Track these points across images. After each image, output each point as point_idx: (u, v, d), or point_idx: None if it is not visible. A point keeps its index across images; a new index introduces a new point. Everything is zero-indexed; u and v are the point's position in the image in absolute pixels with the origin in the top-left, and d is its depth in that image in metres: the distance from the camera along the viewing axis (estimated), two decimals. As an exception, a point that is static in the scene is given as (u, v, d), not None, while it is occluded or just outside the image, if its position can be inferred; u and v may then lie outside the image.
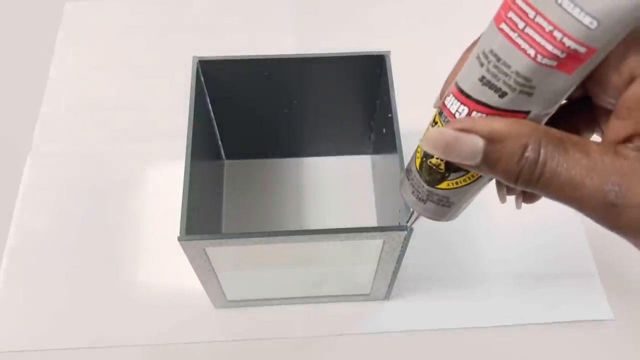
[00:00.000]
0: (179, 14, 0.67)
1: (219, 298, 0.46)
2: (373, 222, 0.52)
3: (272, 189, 0.54)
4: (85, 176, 0.55)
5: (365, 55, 0.44)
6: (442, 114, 0.26)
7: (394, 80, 0.43)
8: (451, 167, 0.27)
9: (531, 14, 0.22)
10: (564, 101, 0.24)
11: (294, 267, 0.44)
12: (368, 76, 0.45)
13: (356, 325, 0.48)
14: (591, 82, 0.24)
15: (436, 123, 0.27)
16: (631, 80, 0.23)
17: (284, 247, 0.38)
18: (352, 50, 0.44)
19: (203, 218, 0.43)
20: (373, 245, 0.39)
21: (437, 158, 0.27)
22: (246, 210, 0.53)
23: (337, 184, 0.55)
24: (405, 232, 0.37)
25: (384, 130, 0.45)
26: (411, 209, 0.33)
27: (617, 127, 0.24)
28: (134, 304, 0.48)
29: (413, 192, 0.29)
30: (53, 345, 0.47)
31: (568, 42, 0.21)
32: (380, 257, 0.40)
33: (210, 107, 0.48)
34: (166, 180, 0.55)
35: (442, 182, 0.28)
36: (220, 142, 0.53)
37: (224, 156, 0.55)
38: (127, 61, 0.63)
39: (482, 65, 0.24)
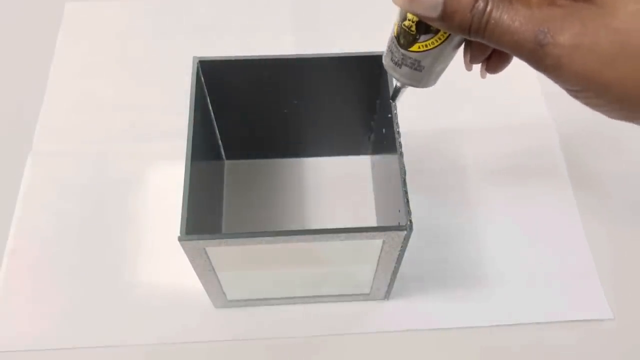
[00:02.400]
0: (179, 14, 0.67)
1: (219, 298, 0.46)
2: (373, 222, 0.52)
3: (272, 189, 0.54)
4: (86, 176, 0.55)
5: (365, 56, 0.44)
6: None
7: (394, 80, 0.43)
8: (421, 29, 0.31)
9: None
10: None
11: (294, 267, 0.44)
12: (368, 76, 0.45)
13: (356, 325, 0.48)
14: None
15: None
16: None
17: (284, 247, 0.38)
18: (352, 51, 0.44)
19: (203, 218, 0.43)
20: (373, 245, 0.39)
21: (408, 20, 0.31)
22: (246, 210, 0.53)
23: (337, 184, 0.55)
24: (405, 232, 0.37)
25: (383, 130, 0.45)
26: (393, 83, 0.37)
27: None
28: (134, 303, 0.48)
29: (392, 58, 0.33)
30: (53, 345, 0.47)
31: None
32: (380, 257, 0.40)
33: (210, 107, 0.48)
34: (166, 180, 0.55)
35: (413, 44, 0.32)
36: (220, 142, 0.53)
37: (224, 156, 0.55)
38: (128, 61, 0.63)
39: None
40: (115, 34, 0.65)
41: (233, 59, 0.44)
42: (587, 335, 0.47)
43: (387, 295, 0.48)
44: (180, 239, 0.36)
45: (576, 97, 0.28)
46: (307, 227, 0.52)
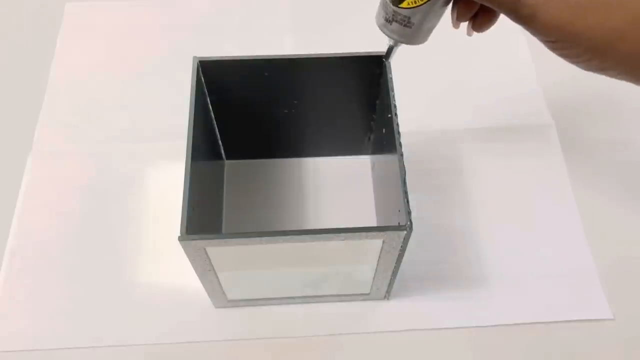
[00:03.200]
0: (179, 14, 0.67)
1: (219, 298, 0.46)
2: (373, 222, 0.52)
3: (272, 189, 0.54)
4: (86, 176, 0.55)
5: (365, 56, 0.44)
6: None
7: (394, 80, 0.43)
8: None
9: None
10: None
11: (294, 267, 0.44)
12: (368, 76, 0.45)
13: (356, 324, 0.48)
14: None
15: None
16: None
17: (284, 247, 0.38)
18: (352, 51, 0.44)
19: (203, 218, 0.44)
20: (373, 245, 0.39)
21: None
22: (246, 210, 0.53)
23: (337, 184, 0.55)
24: (405, 232, 0.37)
25: (383, 130, 0.45)
26: (387, 43, 0.39)
27: None
28: (134, 303, 0.48)
29: (383, 16, 0.36)
30: (53, 345, 0.47)
31: None
32: (380, 256, 0.40)
33: (210, 107, 0.48)
34: (166, 180, 0.55)
35: (404, 0, 0.34)
36: (220, 142, 0.53)
37: (224, 156, 0.55)
38: (127, 61, 0.63)
39: None
40: (116, 34, 0.65)
41: (233, 59, 0.44)
42: (587, 335, 0.47)
43: (387, 295, 0.48)
44: (180, 239, 0.36)
45: (552, 49, 0.29)
46: (307, 227, 0.52)
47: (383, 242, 0.38)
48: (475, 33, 0.37)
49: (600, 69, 0.29)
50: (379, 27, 0.37)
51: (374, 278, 0.44)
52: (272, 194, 0.54)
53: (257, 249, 0.38)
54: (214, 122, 0.50)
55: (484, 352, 0.47)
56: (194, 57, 0.43)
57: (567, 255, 0.51)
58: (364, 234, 0.37)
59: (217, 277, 0.42)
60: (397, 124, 0.41)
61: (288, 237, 0.37)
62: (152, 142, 0.56)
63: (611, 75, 0.30)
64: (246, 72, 0.45)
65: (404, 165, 0.39)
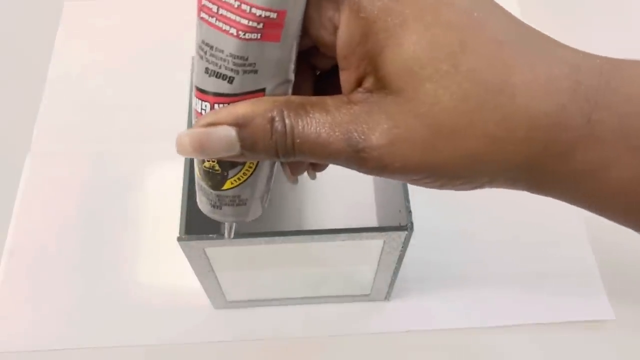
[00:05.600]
0: (178, 13, 0.67)
1: (219, 298, 0.46)
2: (373, 222, 0.52)
3: (271, 189, 0.54)
4: (85, 176, 0.55)
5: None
6: (194, 118, 0.26)
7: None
8: (226, 165, 0.26)
9: None
10: (294, 68, 0.25)
11: (294, 268, 0.44)
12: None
13: (356, 325, 0.48)
14: (320, 47, 0.25)
15: None
16: (336, 30, 0.23)
17: (284, 247, 0.38)
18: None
19: (203, 218, 0.43)
20: (373, 245, 0.39)
21: (208, 161, 0.26)
22: (246, 210, 0.53)
23: (337, 184, 0.55)
24: (406, 232, 0.37)
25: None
26: (224, 224, 0.33)
27: (344, 78, 0.24)
28: (134, 304, 0.48)
29: (207, 202, 0.29)
30: (52, 346, 0.46)
31: (258, 12, 0.22)
32: (380, 257, 0.40)
33: (210, 107, 0.48)
34: (166, 180, 0.54)
35: (224, 182, 0.27)
36: (220, 142, 0.53)
37: (223, 156, 0.55)
38: (127, 61, 0.63)
39: (202, 57, 0.24)
40: (114, 34, 0.65)
41: (233, 58, 0.44)
42: (588, 335, 0.47)
43: (387, 296, 0.48)
44: (179, 239, 0.36)
45: (418, 184, 0.25)
46: (307, 228, 0.52)
47: (384, 242, 0.38)
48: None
49: (479, 187, 0.26)
50: (206, 214, 0.30)
51: (374, 279, 0.44)
52: (272, 193, 0.54)
53: (257, 249, 0.38)
54: (214, 122, 0.50)
55: (485, 353, 0.47)
56: (194, 57, 0.43)
57: (568, 255, 0.51)
58: (364, 234, 0.37)
59: (216, 278, 0.42)
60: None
61: (288, 237, 0.36)
62: (152, 142, 0.56)
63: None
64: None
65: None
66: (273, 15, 0.22)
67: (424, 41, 0.22)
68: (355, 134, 0.23)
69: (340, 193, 0.54)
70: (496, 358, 0.47)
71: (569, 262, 0.50)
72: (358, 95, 0.23)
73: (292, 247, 0.38)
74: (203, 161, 0.27)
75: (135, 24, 0.66)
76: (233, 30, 0.22)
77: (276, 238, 0.36)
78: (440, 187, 0.25)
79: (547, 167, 0.23)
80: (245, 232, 0.37)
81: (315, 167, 0.31)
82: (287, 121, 0.23)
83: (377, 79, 0.23)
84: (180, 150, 0.25)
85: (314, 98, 0.24)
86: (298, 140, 0.23)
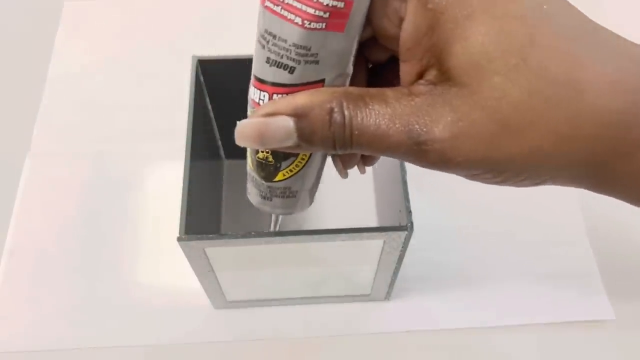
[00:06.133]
0: (178, 13, 0.67)
1: (219, 299, 0.46)
2: (373, 222, 0.52)
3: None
4: (85, 176, 0.55)
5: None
6: (250, 107, 0.27)
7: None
8: (279, 157, 0.27)
9: None
10: (354, 59, 0.25)
11: (294, 268, 0.44)
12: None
13: (356, 325, 0.48)
14: (381, 38, 0.25)
15: None
16: (401, 22, 0.23)
17: (284, 247, 0.38)
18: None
19: (202, 218, 0.43)
20: (373, 245, 0.39)
21: (262, 151, 0.27)
22: (246, 210, 0.53)
23: (337, 184, 0.54)
24: (406, 232, 0.36)
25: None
26: (271, 216, 0.33)
27: (406, 70, 0.24)
28: (134, 304, 0.48)
29: (257, 194, 0.29)
30: (52, 346, 0.46)
31: (326, 1, 0.22)
32: (380, 257, 0.40)
33: (210, 107, 0.48)
34: (166, 180, 0.54)
35: (277, 173, 0.27)
36: (219, 141, 0.53)
37: (223, 156, 0.55)
38: (127, 61, 0.63)
39: (264, 47, 0.24)
40: (114, 33, 0.65)
41: (233, 58, 0.44)
42: (588, 335, 0.47)
43: (387, 296, 0.48)
44: (179, 239, 0.36)
45: (476, 179, 0.25)
46: (307, 227, 0.52)
47: (384, 242, 0.38)
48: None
49: (539, 184, 0.25)
50: (256, 206, 0.30)
51: (374, 279, 0.44)
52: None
53: (257, 249, 0.38)
54: (213, 122, 0.50)
55: (485, 353, 0.47)
56: (194, 57, 0.43)
57: (568, 255, 0.51)
58: (364, 234, 0.37)
59: (216, 278, 0.42)
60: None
61: (288, 237, 0.36)
62: (151, 142, 0.56)
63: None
64: (246, 72, 0.45)
65: (404, 165, 0.39)
66: (340, 4, 0.22)
67: (493, 34, 0.21)
68: (417, 126, 0.22)
69: (340, 193, 0.54)
70: (496, 358, 0.47)
71: (569, 262, 0.50)
72: (420, 87, 0.23)
73: (292, 247, 0.38)
74: (257, 152, 0.27)
75: (135, 24, 0.66)
76: (298, 20, 0.22)
77: (276, 238, 0.36)
78: (501, 182, 0.25)
79: (612, 165, 0.23)
80: (245, 232, 0.36)
81: (366, 161, 0.31)
82: (346, 112, 0.23)
83: (441, 72, 0.23)
84: (239, 139, 0.25)
85: (373, 90, 0.24)
86: (356, 132, 0.23)
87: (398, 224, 0.38)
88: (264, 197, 0.29)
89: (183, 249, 0.37)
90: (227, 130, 0.51)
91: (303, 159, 0.27)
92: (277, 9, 0.23)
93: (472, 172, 0.24)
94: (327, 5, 0.22)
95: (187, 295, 0.48)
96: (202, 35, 0.64)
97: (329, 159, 0.30)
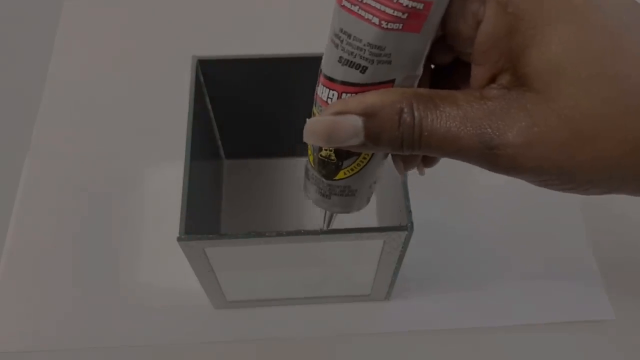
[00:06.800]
0: (178, 13, 0.67)
1: (219, 299, 0.46)
2: (373, 222, 0.52)
3: (272, 189, 0.54)
4: (84, 176, 0.55)
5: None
6: (317, 105, 0.27)
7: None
8: (342, 155, 0.27)
9: None
10: (424, 62, 0.25)
11: (294, 268, 0.44)
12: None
13: (356, 325, 0.48)
14: (452, 40, 0.25)
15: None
16: (477, 24, 0.23)
17: (284, 247, 0.38)
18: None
19: (202, 218, 0.43)
20: (373, 245, 0.39)
21: (325, 149, 0.27)
22: (246, 210, 0.53)
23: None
24: (406, 233, 0.36)
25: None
26: (324, 213, 0.33)
27: (478, 73, 0.24)
28: (134, 304, 0.48)
29: (316, 191, 0.29)
30: (52, 346, 0.46)
31: (405, 2, 0.22)
32: (380, 257, 0.40)
33: (210, 107, 0.48)
34: (165, 180, 0.54)
35: (338, 172, 0.28)
36: (220, 141, 0.53)
37: (223, 156, 0.55)
38: (127, 60, 0.63)
39: (337, 46, 0.24)
40: (114, 33, 0.65)
41: (233, 58, 0.44)
42: (588, 335, 0.47)
43: (387, 296, 0.48)
44: (179, 239, 0.36)
45: (543, 185, 0.25)
46: (306, 228, 0.52)
47: (384, 242, 0.38)
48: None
49: (604, 193, 0.25)
50: (314, 203, 0.30)
51: (374, 279, 0.44)
52: (271, 193, 0.54)
53: (257, 249, 0.38)
54: (213, 122, 0.50)
55: (485, 353, 0.47)
56: (193, 56, 0.43)
57: (568, 255, 0.51)
58: (364, 234, 0.37)
59: (216, 278, 0.42)
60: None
61: (287, 237, 0.36)
62: (152, 142, 0.56)
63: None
64: (246, 72, 0.45)
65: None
66: (420, 5, 0.22)
67: (573, 41, 0.21)
68: (489, 130, 0.22)
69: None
70: (496, 358, 0.47)
71: (569, 262, 0.50)
72: (493, 91, 0.23)
73: (292, 247, 0.38)
74: (320, 150, 0.27)
75: (135, 24, 0.66)
76: (375, 20, 0.22)
77: (276, 238, 0.36)
78: (569, 190, 0.25)
79: None
80: (245, 232, 0.36)
81: (427, 162, 0.31)
82: (416, 114, 0.23)
83: (516, 76, 0.23)
84: (308, 136, 0.25)
85: (443, 91, 0.24)
86: (426, 134, 0.23)
87: (398, 224, 0.38)
88: (322, 195, 0.29)
89: (183, 249, 0.37)
90: (227, 130, 0.51)
91: (365, 158, 0.27)
92: (355, 8, 0.23)
93: (541, 178, 0.24)
94: (407, 6, 0.22)
95: (187, 295, 0.48)
96: (202, 35, 0.64)
97: (389, 159, 0.30)
